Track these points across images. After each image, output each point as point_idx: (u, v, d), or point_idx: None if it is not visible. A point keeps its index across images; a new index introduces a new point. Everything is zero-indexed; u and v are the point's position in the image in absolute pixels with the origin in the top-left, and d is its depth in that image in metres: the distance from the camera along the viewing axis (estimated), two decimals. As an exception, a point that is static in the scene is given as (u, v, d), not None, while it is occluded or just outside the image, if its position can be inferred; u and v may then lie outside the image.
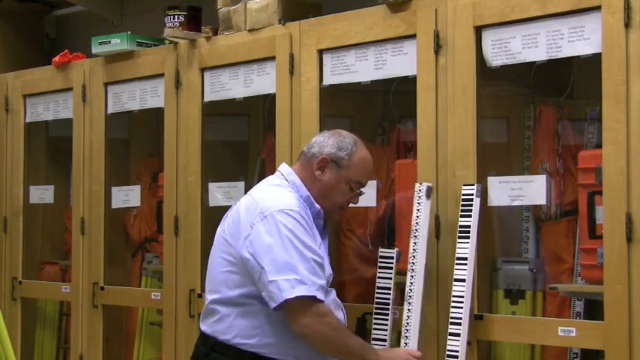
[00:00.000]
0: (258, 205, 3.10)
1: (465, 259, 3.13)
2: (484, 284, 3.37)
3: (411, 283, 3.22)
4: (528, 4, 3.08)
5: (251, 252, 3.05)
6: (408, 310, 3.21)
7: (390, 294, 3.35)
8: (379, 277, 3.38)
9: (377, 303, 3.36)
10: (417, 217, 3.24)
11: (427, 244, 3.23)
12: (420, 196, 3.24)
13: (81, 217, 4.59)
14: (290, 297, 2.96)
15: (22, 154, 5.04)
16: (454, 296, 3.14)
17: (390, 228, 3.77)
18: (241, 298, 3.11)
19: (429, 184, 3.25)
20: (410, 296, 3.21)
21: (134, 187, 4.53)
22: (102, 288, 4.49)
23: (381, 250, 3.41)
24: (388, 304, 3.35)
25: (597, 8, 2.93)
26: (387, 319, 3.34)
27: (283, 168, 3.26)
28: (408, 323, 3.20)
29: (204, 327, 3.22)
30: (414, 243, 3.22)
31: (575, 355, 3.31)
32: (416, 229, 3.24)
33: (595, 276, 3.10)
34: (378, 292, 3.37)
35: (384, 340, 3.32)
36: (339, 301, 3.24)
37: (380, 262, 3.39)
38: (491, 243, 3.46)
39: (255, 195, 3.18)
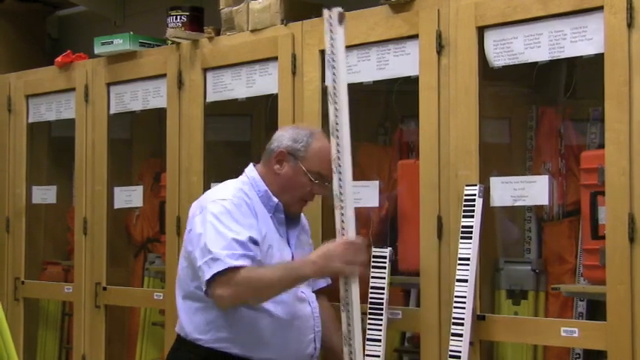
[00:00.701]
0: (200, 200, 3.25)
1: (468, 259, 3.13)
2: (486, 285, 3.37)
3: (340, 183, 3.05)
4: (530, 4, 3.08)
5: (190, 244, 3.17)
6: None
7: (384, 294, 3.34)
8: (373, 277, 3.38)
9: (371, 303, 3.36)
10: (332, 50, 3.08)
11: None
12: (331, 23, 3.08)
13: (83, 218, 4.59)
14: (208, 277, 3.03)
15: (25, 155, 5.04)
16: (456, 296, 3.14)
17: (392, 228, 3.78)
18: (196, 291, 3.18)
19: (340, 9, 3.09)
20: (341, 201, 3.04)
21: (136, 188, 4.53)
22: (104, 288, 4.49)
23: (374, 249, 3.40)
24: (382, 304, 3.34)
25: (600, 8, 2.93)
26: (381, 319, 3.34)
27: (248, 167, 3.34)
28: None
29: (176, 326, 3.32)
30: (335, 102, 3.04)
31: (577, 356, 3.30)
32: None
33: (597, 276, 3.10)
34: (371, 292, 3.37)
35: (379, 341, 3.32)
36: (305, 295, 3.27)
37: (373, 261, 3.38)
38: (494, 243, 3.45)
39: (209, 191, 3.33)
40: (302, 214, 3.41)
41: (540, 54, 3.09)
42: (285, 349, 3.21)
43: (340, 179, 3.02)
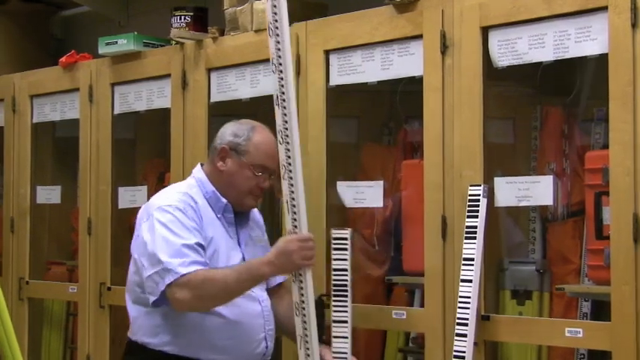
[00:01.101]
0: (147, 206, 3.24)
1: (472, 259, 3.13)
2: (491, 285, 3.37)
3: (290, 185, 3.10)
4: (535, 4, 3.08)
5: (137, 250, 3.18)
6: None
7: (347, 275, 3.35)
8: (335, 259, 3.39)
9: (335, 285, 3.37)
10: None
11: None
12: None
13: (88, 218, 4.60)
14: (163, 288, 3.02)
15: (29, 155, 5.05)
16: (461, 297, 3.14)
17: (396, 228, 3.78)
18: (142, 296, 3.18)
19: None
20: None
21: (141, 188, 4.53)
22: (109, 288, 4.49)
23: (333, 231, 3.41)
24: (346, 285, 3.35)
25: (604, 9, 2.93)
26: (346, 301, 3.35)
27: (196, 168, 3.34)
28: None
29: (128, 331, 3.32)
30: (283, 101, 3.09)
31: (582, 356, 3.31)
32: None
33: (602, 277, 3.10)
34: (335, 274, 3.38)
35: (346, 322, 3.33)
36: (255, 294, 3.25)
37: (334, 243, 3.39)
38: (498, 243, 3.45)
39: (154, 197, 3.30)
40: (255, 209, 3.42)
41: (545, 54, 3.09)
42: (234, 350, 3.20)
43: (291, 177, 3.06)
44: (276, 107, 3.07)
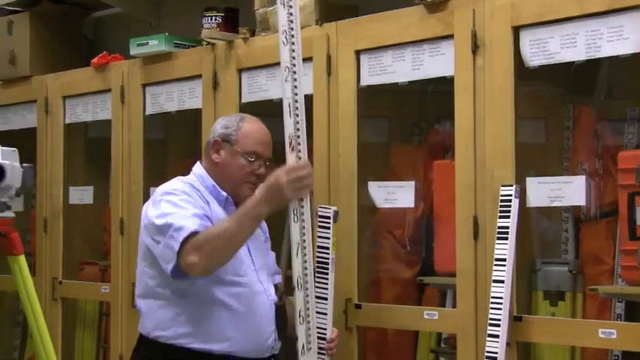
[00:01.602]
0: (152, 196, 3.30)
1: (504, 260, 3.12)
2: (523, 285, 3.36)
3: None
4: (566, 4, 3.07)
5: (148, 235, 3.21)
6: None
7: (329, 253, 3.41)
8: (319, 237, 3.44)
9: (318, 262, 3.41)
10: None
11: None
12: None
13: (120, 218, 4.62)
14: (178, 247, 3.06)
15: (62, 156, 5.08)
16: (493, 297, 3.13)
17: (427, 229, 3.78)
18: (156, 289, 3.24)
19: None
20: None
21: (172, 188, 4.54)
22: (141, 288, 4.51)
23: (319, 208, 3.47)
24: (328, 262, 3.40)
25: (636, 7, 2.92)
26: (327, 278, 3.40)
27: (195, 165, 3.41)
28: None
29: (138, 326, 3.36)
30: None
31: (615, 358, 3.29)
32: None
33: (635, 277, 3.09)
34: (318, 252, 3.42)
35: (326, 299, 3.38)
36: (263, 287, 3.29)
37: (319, 221, 3.45)
38: (530, 244, 3.44)
39: (156, 190, 3.34)
40: None
41: (576, 54, 3.07)
42: (245, 342, 3.23)
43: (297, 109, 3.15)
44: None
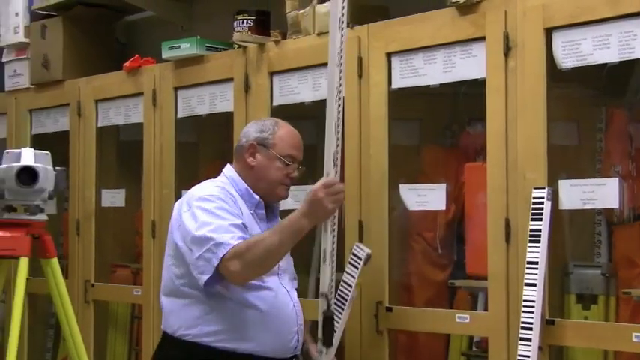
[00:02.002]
0: (185, 198, 3.33)
1: (536, 263, 3.11)
2: (555, 289, 3.35)
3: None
4: (599, 5, 3.05)
5: (181, 238, 3.25)
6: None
7: (350, 290, 3.44)
8: (346, 272, 3.48)
9: (337, 296, 3.44)
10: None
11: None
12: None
13: (152, 221, 4.64)
14: (217, 263, 3.12)
15: (94, 159, 5.11)
16: (525, 300, 3.12)
17: (459, 231, 3.77)
18: (183, 288, 3.29)
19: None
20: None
21: (204, 191, 4.55)
22: (172, 291, 4.52)
23: (356, 245, 3.50)
24: (347, 299, 3.44)
25: (670, 8, 2.90)
26: (341, 313, 3.43)
27: (226, 167, 3.46)
28: None
29: (162, 324, 3.41)
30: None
31: (649, 362, 3.26)
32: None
33: (669, 281, 3.06)
34: (341, 287, 3.46)
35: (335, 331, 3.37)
36: (287, 289, 3.37)
37: (351, 258, 3.48)
38: (562, 247, 3.42)
39: (189, 191, 3.40)
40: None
41: (609, 55, 3.05)
42: (270, 342, 3.29)
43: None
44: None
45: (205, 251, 3.14)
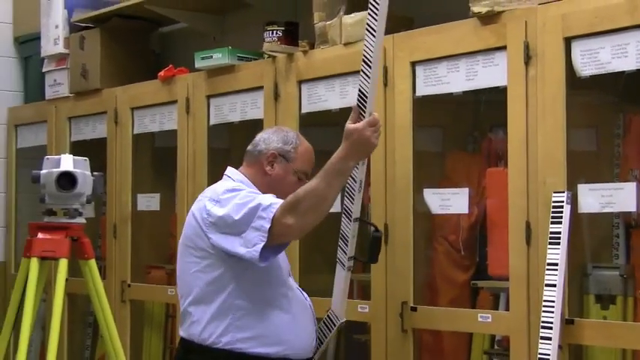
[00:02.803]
0: (207, 197, 3.24)
1: (556, 264, 3.10)
2: (575, 289, 3.33)
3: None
4: (617, 14, 3.03)
5: (218, 233, 3.14)
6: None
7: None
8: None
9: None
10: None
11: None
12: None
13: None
14: (269, 225, 3.03)
15: (130, 164, 5.13)
16: (545, 301, 3.10)
17: (481, 234, 3.76)
18: (213, 296, 3.18)
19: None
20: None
21: (235, 195, 4.56)
22: (205, 291, 4.53)
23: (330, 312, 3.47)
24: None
25: (686, 18, 2.88)
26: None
27: (229, 170, 3.39)
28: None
29: (181, 332, 3.31)
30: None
31: (666, 361, 3.25)
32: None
33: (686, 282, 3.04)
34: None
35: None
36: (304, 293, 3.36)
37: (324, 320, 3.47)
38: (581, 249, 3.41)
39: (202, 195, 3.32)
40: None
41: (627, 63, 3.03)
42: (298, 343, 3.25)
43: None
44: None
45: (255, 221, 3.04)
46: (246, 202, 3.09)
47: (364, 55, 3.11)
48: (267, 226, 3.03)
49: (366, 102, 3.11)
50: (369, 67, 3.10)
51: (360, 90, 3.12)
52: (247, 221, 3.06)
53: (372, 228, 3.41)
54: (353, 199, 3.29)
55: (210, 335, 3.18)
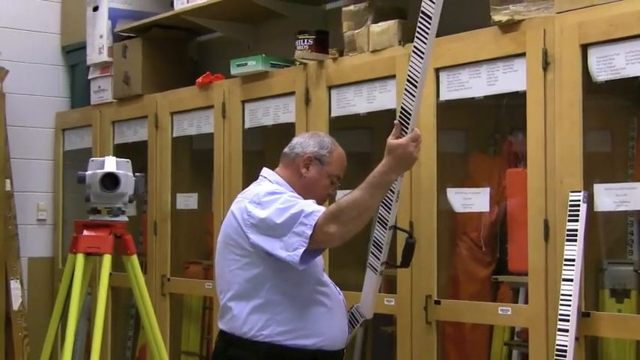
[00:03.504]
0: (248, 198, 3.23)
1: (573, 260, 3.09)
2: (590, 284, 3.32)
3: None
4: (632, 22, 3.03)
5: (258, 234, 3.14)
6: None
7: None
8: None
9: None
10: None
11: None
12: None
13: (222, 222, 4.64)
14: (310, 232, 3.03)
15: (170, 166, 5.16)
16: (562, 295, 3.10)
17: (501, 231, 3.75)
18: (252, 292, 3.18)
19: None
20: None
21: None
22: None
23: (354, 309, 3.49)
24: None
25: (698, 25, 2.86)
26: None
27: (265, 171, 3.39)
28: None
29: (221, 325, 3.30)
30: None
31: (678, 352, 3.23)
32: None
33: (696, 276, 3.02)
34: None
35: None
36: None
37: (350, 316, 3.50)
38: (597, 245, 3.40)
39: (242, 196, 3.30)
40: None
41: (641, 69, 3.04)
42: (334, 335, 3.25)
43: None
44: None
45: (296, 226, 3.04)
46: (287, 207, 3.10)
47: (409, 75, 3.10)
48: (309, 232, 3.03)
49: (409, 119, 3.10)
50: (414, 86, 3.09)
51: (402, 107, 3.12)
52: (289, 226, 3.07)
53: (407, 235, 3.42)
54: (390, 208, 3.31)
55: (250, 329, 3.18)
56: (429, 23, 3.01)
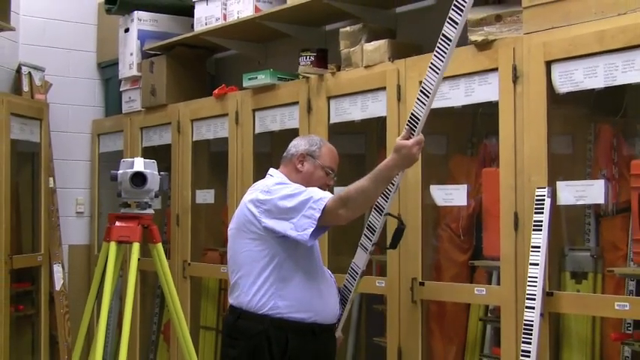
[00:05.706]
0: (259, 189, 3.28)
1: (539, 247, 3.11)
2: (554, 267, 3.33)
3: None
4: (589, 42, 3.04)
5: (270, 218, 3.18)
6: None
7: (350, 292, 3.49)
8: (346, 280, 3.51)
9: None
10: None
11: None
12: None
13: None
14: (319, 215, 3.07)
15: (190, 166, 5.16)
16: (530, 277, 3.12)
17: (478, 222, 3.76)
18: (259, 270, 3.22)
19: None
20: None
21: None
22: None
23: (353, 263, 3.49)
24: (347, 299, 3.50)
25: (646, 45, 2.88)
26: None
27: (271, 171, 3.44)
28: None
29: (231, 300, 3.34)
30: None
31: (628, 325, 3.24)
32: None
33: (645, 261, 3.04)
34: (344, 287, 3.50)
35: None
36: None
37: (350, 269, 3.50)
38: (560, 234, 3.41)
39: (253, 188, 3.35)
40: None
41: (597, 82, 3.05)
42: (326, 311, 3.30)
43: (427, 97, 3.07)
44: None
45: (306, 210, 3.09)
46: (297, 194, 3.15)
47: (423, 86, 3.08)
48: (318, 215, 3.08)
49: (417, 124, 3.09)
50: (427, 97, 3.07)
51: (413, 113, 3.10)
52: (299, 210, 3.11)
53: (399, 222, 3.42)
54: (387, 198, 3.32)
55: (256, 303, 3.22)
56: (448, 45, 3.00)
